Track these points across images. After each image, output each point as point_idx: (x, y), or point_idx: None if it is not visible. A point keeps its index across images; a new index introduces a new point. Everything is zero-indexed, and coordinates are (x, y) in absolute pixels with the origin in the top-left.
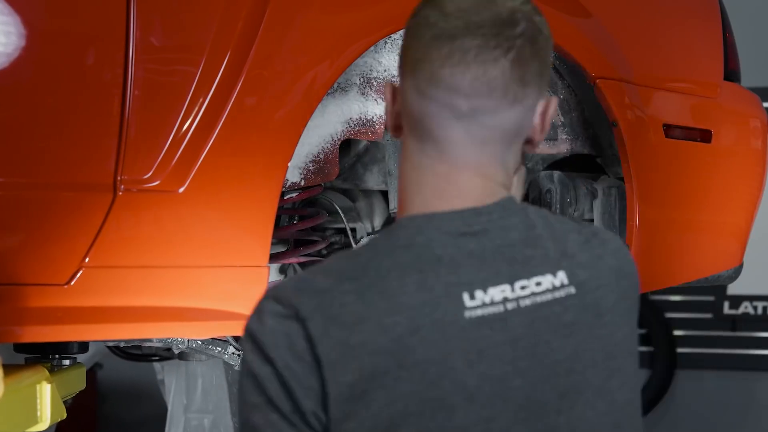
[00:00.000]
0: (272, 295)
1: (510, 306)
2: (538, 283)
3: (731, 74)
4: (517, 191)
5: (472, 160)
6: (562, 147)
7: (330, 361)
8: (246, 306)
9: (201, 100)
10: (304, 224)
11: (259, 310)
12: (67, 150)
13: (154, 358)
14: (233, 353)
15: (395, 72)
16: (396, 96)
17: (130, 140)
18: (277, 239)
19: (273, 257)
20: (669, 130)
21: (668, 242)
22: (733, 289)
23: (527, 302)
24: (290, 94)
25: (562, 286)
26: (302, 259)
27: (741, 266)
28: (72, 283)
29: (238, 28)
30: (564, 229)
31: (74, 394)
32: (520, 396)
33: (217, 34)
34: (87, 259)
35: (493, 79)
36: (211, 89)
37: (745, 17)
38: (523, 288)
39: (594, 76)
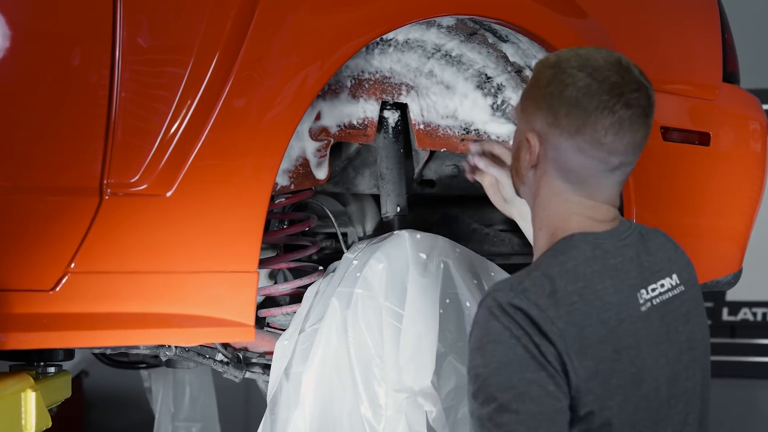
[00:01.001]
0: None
1: (656, 301)
2: (662, 285)
3: (730, 76)
4: None
5: (612, 197)
6: None
7: (575, 350)
8: (234, 312)
9: (189, 101)
10: (294, 229)
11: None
12: (52, 153)
13: (141, 365)
14: (221, 360)
15: (387, 74)
16: (541, 143)
17: (117, 143)
18: (266, 244)
19: (262, 262)
20: (667, 132)
21: None
22: (732, 295)
23: (658, 300)
24: (280, 96)
25: (677, 285)
26: (292, 265)
27: (740, 272)
28: (57, 288)
29: (227, 29)
30: (660, 240)
31: (60, 403)
32: (668, 370)
33: (205, 35)
34: (73, 265)
35: (639, 141)
36: (199, 91)
37: (744, 17)
38: (653, 290)
39: None
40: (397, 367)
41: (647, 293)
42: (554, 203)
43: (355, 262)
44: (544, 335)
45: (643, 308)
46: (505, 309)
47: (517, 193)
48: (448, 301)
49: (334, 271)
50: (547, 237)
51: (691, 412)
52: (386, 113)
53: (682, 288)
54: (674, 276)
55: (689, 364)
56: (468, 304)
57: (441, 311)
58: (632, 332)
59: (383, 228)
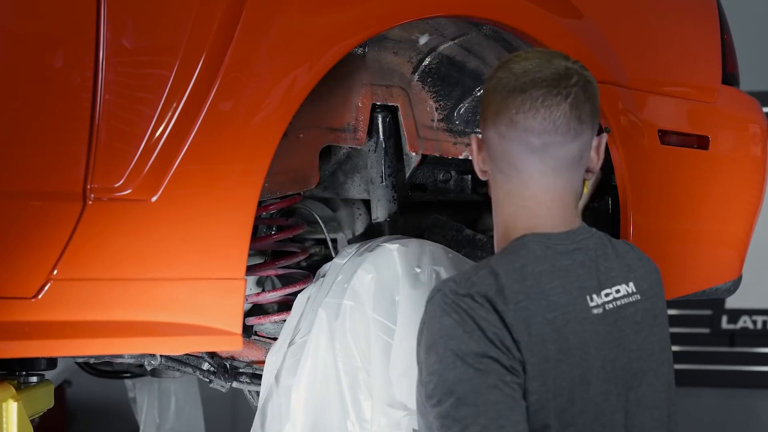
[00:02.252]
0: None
1: (608, 306)
2: (617, 291)
3: (729, 78)
4: (584, 198)
5: (556, 186)
6: None
7: (523, 345)
8: (221, 320)
9: (175, 104)
10: (283, 235)
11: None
12: (34, 157)
13: (125, 374)
14: (208, 370)
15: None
16: (481, 145)
17: (101, 147)
18: (254, 250)
19: (250, 269)
20: (664, 136)
21: (663, 254)
22: (731, 302)
23: (611, 306)
24: (268, 99)
25: (633, 293)
26: (280, 271)
27: (740, 279)
28: (40, 296)
29: (213, 30)
30: (623, 249)
31: (42, 413)
32: (614, 377)
33: (191, 36)
34: (55, 272)
35: (557, 119)
36: (185, 93)
37: (744, 18)
38: (606, 295)
39: None
40: (387, 381)
41: (599, 297)
42: (501, 201)
43: (345, 267)
44: (501, 323)
45: (595, 311)
46: (457, 303)
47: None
48: None
49: (324, 276)
50: (500, 237)
51: (638, 425)
52: (377, 115)
53: (638, 296)
54: (630, 284)
55: (638, 374)
56: None
57: None
58: (579, 333)
59: (373, 234)
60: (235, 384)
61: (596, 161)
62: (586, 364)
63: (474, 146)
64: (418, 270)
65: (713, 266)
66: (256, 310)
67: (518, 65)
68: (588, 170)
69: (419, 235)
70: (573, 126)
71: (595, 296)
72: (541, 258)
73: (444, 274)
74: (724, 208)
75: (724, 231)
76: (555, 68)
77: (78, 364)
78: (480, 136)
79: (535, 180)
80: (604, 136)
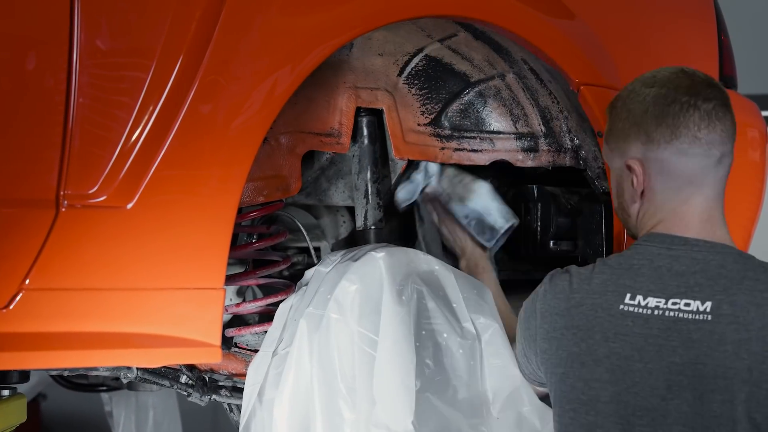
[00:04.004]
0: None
1: (657, 312)
2: (687, 304)
3: (727, 80)
4: None
5: (713, 194)
6: (544, 159)
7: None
8: (199, 331)
9: (151, 108)
10: (264, 243)
11: None
12: (4, 162)
13: (101, 388)
14: (186, 383)
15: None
16: (643, 168)
17: (74, 152)
18: (234, 259)
19: (230, 278)
20: None
21: None
22: None
23: (670, 314)
24: (248, 102)
25: (704, 312)
26: (261, 281)
27: None
28: (11, 306)
29: (191, 31)
30: (751, 276)
31: (14, 427)
32: (638, 375)
33: (168, 37)
34: (27, 281)
35: (729, 128)
36: (161, 96)
37: (741, 18)
38: (674, 303)
39: (578, 83)
40: (371, 399)
41: (651, 300)
42: (647, 215)
43: (328, 275)
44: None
45: (625, 308)
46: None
47: (628, 229)
48: (424, 332)
49: (306, 284)
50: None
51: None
52: (361, 119)
53: (707, 317)
54: (708, 303)
55: (674, 387)
56: (445, 335)
57: (417, 344)
58: (586, 317)
59: (358, 242)
60: (214, 397)
61: None
62: (586, 346)
63: (635, 166)
64: (398, 282)
65: None
66: (237, 321)
67: (669, 81)
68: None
69: (405, 243)
70: (735, 131)
71: (639, 297)
72: (622, 255)
73: (427, 296)
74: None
75: None
76: (702, 81)
77: (52, 376)
78: (636, 156)
79: (704, 190)
80: None
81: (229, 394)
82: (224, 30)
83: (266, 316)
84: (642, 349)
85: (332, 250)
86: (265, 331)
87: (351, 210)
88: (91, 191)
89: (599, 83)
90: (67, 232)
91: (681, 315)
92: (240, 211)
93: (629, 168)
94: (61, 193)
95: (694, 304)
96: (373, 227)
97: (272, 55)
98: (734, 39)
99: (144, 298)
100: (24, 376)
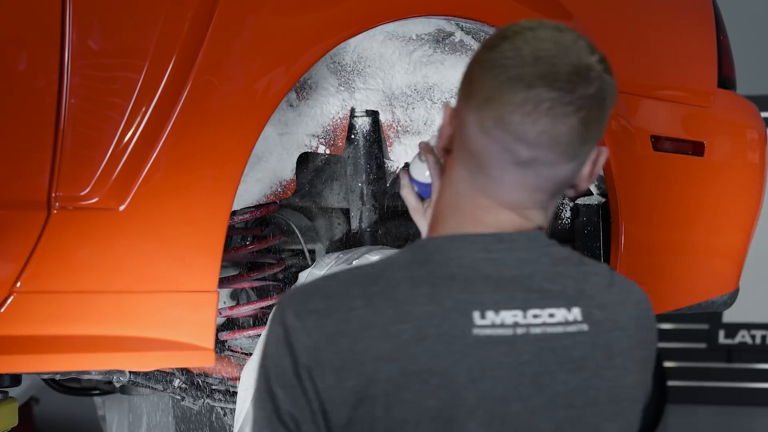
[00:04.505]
0: (285, 301)
1: (520, 331)
2: (551, 315)
3: (726, 81)
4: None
5: (518, 201)
6: None
7: (334, 366)
8: (192, 335)
9: (144, 109)
10: (258, 245)
11: (277, 311)
12: None
13: (94, 392)
14: (179, 386)
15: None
16: (453, 120)
17: (66, 153)
18: (228, 262)
19: (223, 281)
20: (657, 142)
21: (657, 265)
22: (729, 316)
23: (537, 330)
24: (242, 102)
25: (575, 321)
26: (255, 284)
27: (737, 291)
28: (2, 309)
29: (184, 31)
30: (589, 271)
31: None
32: (519, 421)
33: (161, 37)
34: (18, 284)
35: (559, 135)
36: (154, 97)
37: (741, 18)
38: (535, 317)
39: None
40: None
41: (505, 316)
42: (446, 195)
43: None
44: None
45: (480, 332)
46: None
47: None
48: None
49: None
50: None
51: None
52: (356, 120)
53: (583, 326)
54: (575, 310)
55: (564, 425)
56: None
57: None
58: (440, 355)
59: (353, 244)
60: (208, 401)
61: (587, 178)
62: (449, 395)
63: (445, 116)
64: None
65: (709, 278)
66: (231, 324)
67: (528, 45)
68: (572, 186)
69: (401, 246)
70: (575, 146)
71: (491, 313)
72: (417, 263)
73: None
74: (720, 217)
75: (720, 241)
76: (574, 64)
77: (44, 380)
78: (453, 106)
79: (502, 193)
80: (605, 150)
81: (222, 398)
82: (217, 30)
83: (260, 319)
84: (517, 384)
85: (327, 252)
86: (259, 335)
87: (346, 212)
88: (83, 193)
89: None
90: (58, 234)
91: (549, 330)
92: (234, 213)
93: (444, 109)
94: (53, 194)
95: (560, 314)
96: (368, 229)
97: (266, 55)
98: (733, 39)
99: (136, 300)
100: (15, 379)
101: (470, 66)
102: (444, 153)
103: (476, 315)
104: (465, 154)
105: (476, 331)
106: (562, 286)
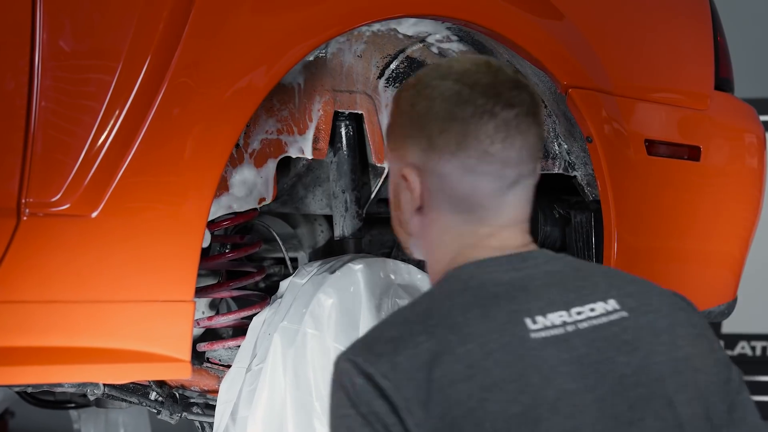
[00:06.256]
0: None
1: (570, 328)
2: (592, 309)
3: (723, 83)
4: None
5: (515, 218)
6: None
7: (419, 400)
8: (168, 346)
9: (117, 112)
10: (237, 253)
11: (341, 370)
12: None
13: (69, 405)
14: (155, 399)
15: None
16: (422, 181)
17: (36, 158)
18: (206, 270)
19: (201, 290)
20: (652, 146)
21: (651, 274)
22: (728, 327)
23: (585, 325)
24: (220, 105)
25: (615, 310)
26: (235, 293)
27: (735, 301)
28: None
29: (158, 31)
30: (608, 271)
31: None
32: (594, 409)
33: (135, 38)
34: None
35: (532, 145)
36: (128, 100)
37: (740, 19)
38: (578, 313)
39: (566, 85)
40: None
41: (568, 315)
42: (445, 242)
43: (304, 288)
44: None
45: (538, 335)
46: (337, 374)
47: (407, 250)
48: None
49: (281, 297)
50: (436, 273)
51: None
52: (340, 124)
53: (624, 314)
54: (611, 301)
55: (637, 403)
56: None
57: None
58: (510, 363)
59: (336, 252)
60: (185, 415)
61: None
62: (529, 397)
63: (411, 177)
64: (378, 295)
65: (705, 287)
66: (210, 335)
67: (467, 77)
68: None
69: (386, 254)
70: (540, 148)
71: (540, 318)
72: (460, 291)
73: None
74: (717, 224)
75: (717, 249)
76: (508, 79)
77: (18, 393)
78: (413, 163)
79: (502, 217)
80: None
81: (201, 412)
82: (194, 30)
83: (240, 330)
84: (582, 376)
85: (309, 260)
86: (239, 346)
87: (329, 218)
88: (53, 199)
89: (588, 86)
90: (28, 241)
91: (595, 322)
92: (212, 220)
93: (404, 178)
94: (23, 200)
95: (600, 306)
96: (352, 237)
97: (245, 56)
98: (732, 40)
99: (109, 311)
100: None
101: (412, 123)
102: (418, 211)
103: (528, 321)
104: (450, 200)
105: (533, 335)
106: (592, 283)
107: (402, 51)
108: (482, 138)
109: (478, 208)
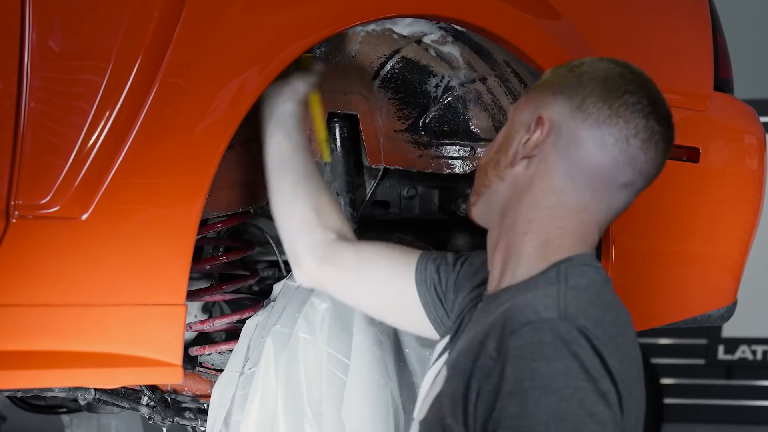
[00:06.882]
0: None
1: None
2: None
3: (723, 84)
4: None
5: (603, 223)
6: None
7: (623, 383)
8: (159, 350)
9: (107, 112)
10: (230, 256)
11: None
12: None
13: (61, 410)
14: (147, 404)
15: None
16: (550, 132)
17: (25, 159)
18: (199, 273)
19: (193, 294)
20: None
21: (650, 277)
22: (728, 331)
23: None
24: (213, 105)
25: None
26: (228, 296)
27: (735, 304)
28: None
29: (149, 31)
30: None
31: None
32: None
33: (125, 38)
34: None
35: (658, 167)
36: (119, 101)
37: (740, 19)
38: None
39: None
40: (339, 424)
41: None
42: (550, 204)
43: (297, 291)
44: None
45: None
46: (566, 342)
47: (472, 206)
48: (407, 350)
49: (274, 300)
50: (535, 246)
51: None
52: (335, 124)
53: None
54: None
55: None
56: (427, 353)
57: (401, 364)
58: (635, 361)
59: None
60: (177, 420)
61: None
62: (639, 394)
63: (544, 124)
64: None
65: (704, 291)
66: (202, 338)
67: (640, 77)
68: None
69: None
70: (643, 187)
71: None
72: (604, 282)
73: None
74: (717, 227)
75: (717, 252)
76: (667, 109)
77: (8, 397)
78: (551, 117)
79: (599, 212)
80: None
81: (193, 417)
82: (185, 30)
83: (233, 334)
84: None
85: None
86: (231, 350)
87: None
88: (43, 201)
89: None
90: (17, 244)
91: None
92: (205, 222)
93: (539, 121)
94: (11, 203)
95: None
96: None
97: (238, 55)
98: (732, 41)
99: (100, 314)
100: None
101: (571, 80)
102: (523, 160)
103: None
104: (572, 165)
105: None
106: None
107: (397, 51)
108: (631, 125)
109: (588, 188)
